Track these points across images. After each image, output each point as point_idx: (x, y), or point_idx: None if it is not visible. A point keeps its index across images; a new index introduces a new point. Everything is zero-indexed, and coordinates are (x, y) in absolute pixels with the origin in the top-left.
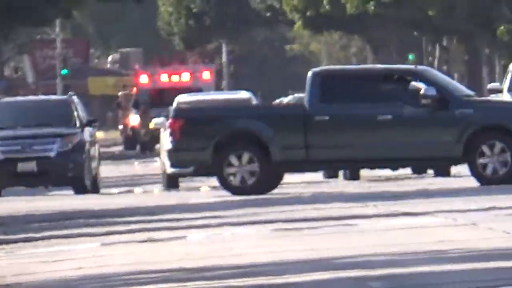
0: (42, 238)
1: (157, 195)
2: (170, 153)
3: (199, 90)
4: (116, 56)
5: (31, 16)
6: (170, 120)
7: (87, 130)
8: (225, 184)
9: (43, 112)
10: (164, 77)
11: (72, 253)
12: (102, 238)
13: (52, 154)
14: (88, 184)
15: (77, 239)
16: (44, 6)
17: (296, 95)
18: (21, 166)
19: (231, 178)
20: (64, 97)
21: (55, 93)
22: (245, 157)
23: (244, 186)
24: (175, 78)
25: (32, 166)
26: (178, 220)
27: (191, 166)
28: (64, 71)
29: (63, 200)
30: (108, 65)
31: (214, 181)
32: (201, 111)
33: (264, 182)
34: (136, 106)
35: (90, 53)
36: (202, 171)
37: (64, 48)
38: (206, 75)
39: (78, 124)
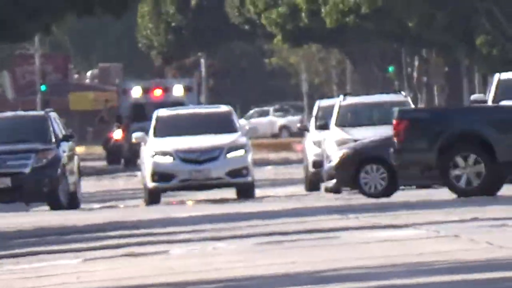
0: (24, 254)
1: (139, 210)
2: (395, 154)
3: (180, 104)
4: (96, 71)
5: (10, 32)
6: (394, 122)
7: (64, 145)
8: (451, 186)
9: (19, 128)
10: (157, 92)
11: (54, 268)
12: (84, 253)
13: (26, 169)
14: (63, 199)
15: (59, 254)
16: (23, 21)
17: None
18: None
19: (456, 180)
20: (40, 112)
21: (35, 109)
22: (471, 158)
23: (470, 188)
24: (158, 93)
25: (6, 181)
26: (160, 234)
27: (416, 168)
28: (43, 87)
29: (44, 216)
30: (88, 80)
31: (197, 195)
32: (425, 112)
33: (489, 184)
34: (119, 120)
35: (70, 68)
36: (426, 172)
37: (43, 64)
38: (188, 89)
39: (53, 139)
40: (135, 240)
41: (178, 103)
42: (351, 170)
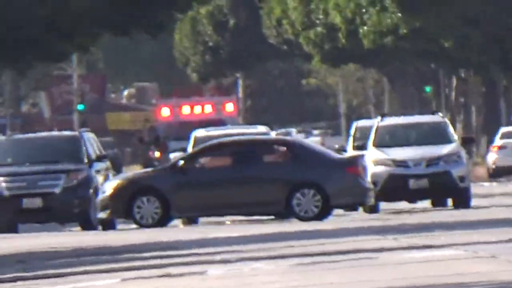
0: (61, 275)
1: (177, 230)
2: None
3: (222, 122)
4: (132, 90)
5: (48, 52)
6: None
7: (97, 165)
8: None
9: (51, 149)
10: (186, 110)
11: None
12: (122, 274)
13: (57, 190)
14: (95, 220)
15: (96, 275)
16: (60, 41)
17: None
18: (26, 203)
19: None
20: (73, 133)
21: (71, 129)
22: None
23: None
24: (197, 110)
25: (37, 202)
26: (197, 254)
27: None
28: (80, 106)
29: (82, 236)
30: (124, 100)
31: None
32: None
33: None
34: (157, 140)
35: (107, 88)
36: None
37: (81, 84)
38: (230, 107)
39: (85, 160)
40: (173, 261)
41: (219, 121)
42: (125, 201)
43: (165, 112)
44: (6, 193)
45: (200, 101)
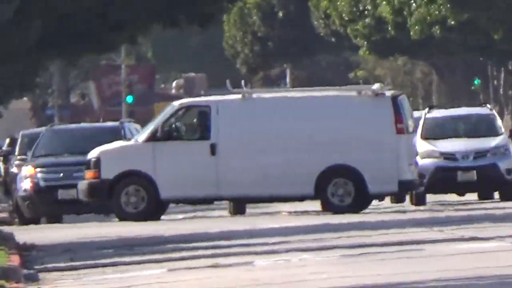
0: (109, 265)
1: (225, 220)
2: None
3: None
4: (181, 81)
5: (97, 43)
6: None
7: None
8: None
9: (91, 140)
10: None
11: (139, 279)
12: (169, 264)
13: None
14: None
15: (143, 265)
16: (108, 32)
17: None
18: (62, 194)
19: None
20: (114, 124)
21: (119, 119)
22: None
23: None
24: None
25: (72, 193)
26: (245, 245)
27: None
28: (129, 98)
29: (129, 226)
30: (173, 91)
31: (281, 206)
32: None
33: None
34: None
35: (155, 79)
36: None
37: (129, 74)
38: None
39: None
40: (220, 251)
41: None
42: None
43: None
44: (43, 184)
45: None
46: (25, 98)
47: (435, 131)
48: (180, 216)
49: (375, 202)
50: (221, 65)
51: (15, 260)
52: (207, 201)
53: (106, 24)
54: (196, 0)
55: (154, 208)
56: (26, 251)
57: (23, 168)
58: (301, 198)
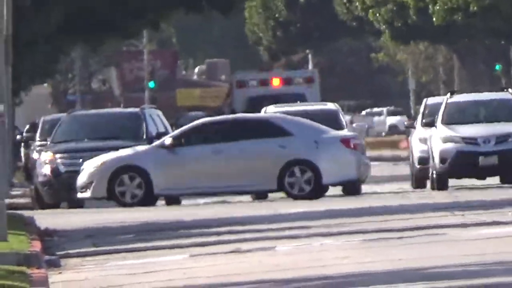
0: (131, 250)
1: (246, 205)
2: None
3: (302, 97)
4: (203, 67)
5: (119, 28)
6: None
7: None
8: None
9: (112, 125)
10: (275, 83)
11: (160, 264)
12: (191, 249)
13: None
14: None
15: (165, 250)
16: (131, 18)
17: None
18: None
19: None
20: (135, 110)
21: (141, 105)
22: None
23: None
24: (276, 83)
25: None
26: (266, 230)
27: None
28: (151, 83)
29: (151, 211)
30: (195, 77)
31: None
32: None
33: None
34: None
35: (177, 65)
36: None
37: (152, 60)
38: (310, 80)
39: (145, 137)
40: (242, 236)
41: (298, 96)
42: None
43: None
44: (62, 169)
45: (278, 75)
46: (45, 84)
47: (456, 116)
48: (201, 201)
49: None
50: (243, 51)
51: (36, 246)
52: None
53: (128, 10)
54: None
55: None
56: (47, 236)
57: (43, 153)
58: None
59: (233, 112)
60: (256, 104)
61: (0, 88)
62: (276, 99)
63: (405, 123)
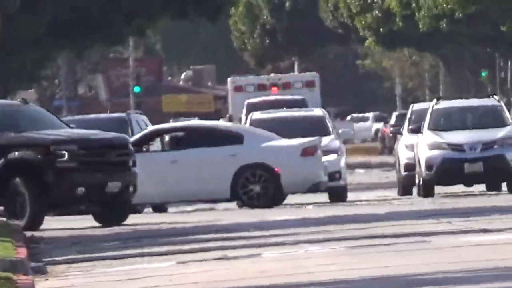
0: (117, 257)
1: (233, 213)
2: None
3: (303, 103)
4: (189, 73)
5: (105, 35)
6: None
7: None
8: None
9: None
10: (263, 88)
11: (147, 271)
12: (177, 256)
13: None
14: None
15: (152, 257)
16: (117, 24)
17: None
18: None
19: None
20: (121, 115)
21: (126, 111)
22: None
23: None
24: (275, 90)
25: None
26: (253, 237)
27: None
28: (136, 89)
29: (136, 218)
30: (181, 83)
31: (290, 198)
32: None
33: None
34: (231, 120)
35: (163, 71)
36: None
37: (137, 67)
38: (310, 85)
39: None
40: (228, 243)
41: (298, 101)
42: None
43: (239, 91)
44: None
45: (277, 79)
46: (31, 89)
47: (442, 123)
48: (188, 208)
49: (381, 194)
50: (230, 57)
51: (22, 252)
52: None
53: (115, 17)
54: None
55: None
56: (34, 243)
57: None
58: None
59: (231, 117)
60: (254, 109)
61: None
62: (275, 104)
63: (391, 129)
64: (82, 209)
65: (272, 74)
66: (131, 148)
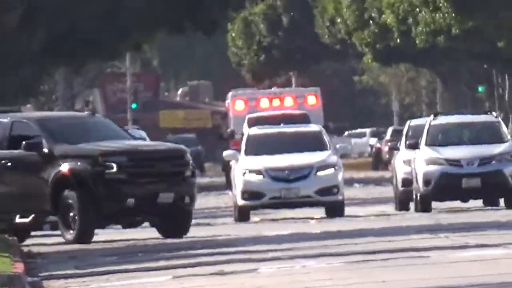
0: (114, 272)
1: (230, 227)
2: None
3: (305, 118)
4: (186, 89)
5: (102, 50)
6: None
7: None
8: None
9: None
10: (264, 103)
11: (143, 286)
12: (174, 271)
13: None
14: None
15: (148, 272)
16: (114, 39)
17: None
18: None
19: None
20: None
21: (124, 127)
22: None
23: None
24: (276, 103)
25: None
26: (250, 252)
27: None
28: (134, 105)
29: (132, 233)
30: (178, 98)
31: (287, 213)
32: None
33: None
34: (232, 136)
35: (160, 87)
36: None
37: (134, 82)
38: (312, 100)
39: None
40: (225, 258)
41: (300, 116)
42: None
43: (239, 105)
44: None
45: (279, 93)
46: (29, 105)
47: (440, 138)
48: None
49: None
50: (227, 73)
51: (19, 267)
52: None
53: (111, 32)
54: (200, 8)
55: None
56: (30, 258)
57: None
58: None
59: (232, 133)
60: (255, 124)
61: None
62: (277, 119)
63: (389, 144)
64: (139, 221)
65: (273, 88)
66: (188, 158)
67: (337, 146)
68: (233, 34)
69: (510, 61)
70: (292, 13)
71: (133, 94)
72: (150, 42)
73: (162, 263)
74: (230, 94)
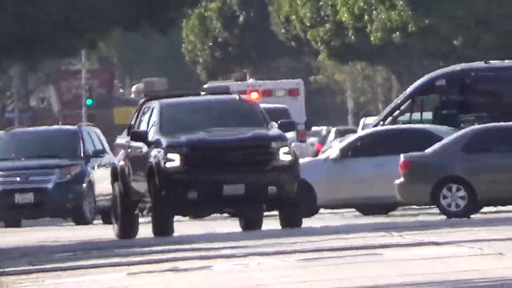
0: (68, 268)
1: (184, 224)
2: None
3: (286, 112)
4: (141, 85)
5: (57, 47)
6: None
7: (96, 160)
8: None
9: (49, 143)
10: (253, 96)
11: (97, 283)
12: (128, 268)
13: (49, 185)
14: (89, 215)
15: (102, 269)
16: (69, 37)
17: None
18: (19, 198)
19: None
20: (72, 127)
21: (78, 123)
22: None
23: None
24: (254, 97)
25: (29, 197)
26: (204, 249)
27: None
28: (89, 101)
29: (88, 230)
30: (133, 95)
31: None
32: None
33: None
34: None
35: (114, 83)
36: None
37: (89, 79)
38: (293, 93)
39: (82, 155)
40: (179, 255)
41: (280, 111)
42: None
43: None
44: (0, 188)
45: (257, 86)
46: None
47: None
48: (141, 220)
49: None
50: (182, 70)
51: None
52: None
53: (67, 29)
54: (156, 5)
55: None
56: None
57: None
58: None
59: None
60: None
61: None
62: None
63: (316, 143)
64: (229, 212)
65: (251, 80)
66: (273, 147)
67: (292, 144)
68: (188, 31)
69: (466, 59)
70: (244, 12)
71: (88, 90)
72: (106, 40)
73: (116, 259)
74: (205, 86)
